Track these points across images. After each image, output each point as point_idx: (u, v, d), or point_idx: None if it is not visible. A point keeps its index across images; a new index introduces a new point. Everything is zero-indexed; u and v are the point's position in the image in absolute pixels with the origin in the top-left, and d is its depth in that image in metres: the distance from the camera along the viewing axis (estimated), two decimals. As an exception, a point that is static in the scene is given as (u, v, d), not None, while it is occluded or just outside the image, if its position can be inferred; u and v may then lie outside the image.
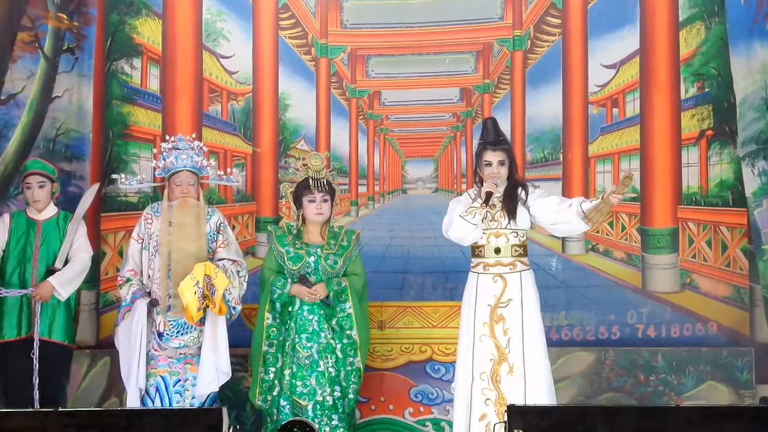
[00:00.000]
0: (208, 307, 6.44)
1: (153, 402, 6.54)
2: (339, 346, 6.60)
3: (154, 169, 6.85)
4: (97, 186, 7.44)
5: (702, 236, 8.06)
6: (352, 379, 6.61)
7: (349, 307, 6.62)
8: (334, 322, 6.62)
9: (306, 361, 6.57)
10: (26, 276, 6.96)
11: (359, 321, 6.63)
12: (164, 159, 6.73)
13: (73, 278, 7.01)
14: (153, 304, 6.60)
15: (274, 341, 6.62)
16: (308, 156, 6.83)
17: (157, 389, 6.58)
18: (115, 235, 8.19)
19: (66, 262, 7.02)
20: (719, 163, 8.05)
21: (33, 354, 6.78)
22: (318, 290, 6.57)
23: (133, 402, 6.48)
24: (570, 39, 8.39)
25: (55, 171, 7.18)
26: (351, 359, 6.61)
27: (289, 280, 6.62)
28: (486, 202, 6.09)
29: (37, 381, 6.77)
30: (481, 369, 6.18)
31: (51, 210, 7.11)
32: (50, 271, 6.94)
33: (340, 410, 6.57)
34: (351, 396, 6.62)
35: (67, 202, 7.40)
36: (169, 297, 6.59)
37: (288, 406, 6.52)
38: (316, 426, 6.15)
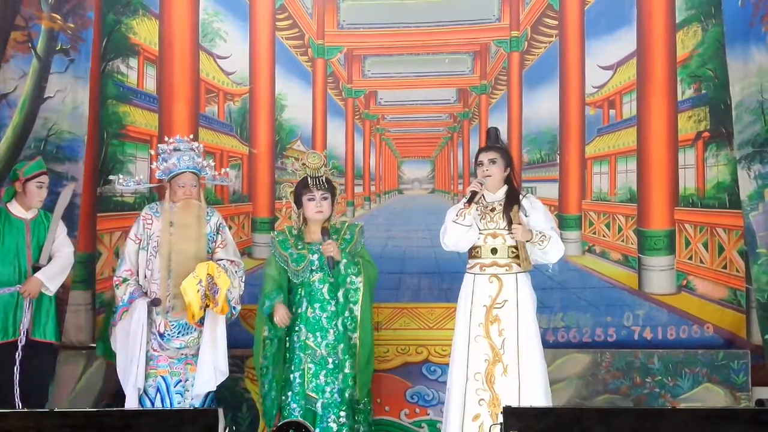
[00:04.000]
0: (208, 306, 6.44)
1: (153, 402, 6.53)
2: (340, 319, 6.54)
3: (152, 170, 6.82)
4: (73, 184, 7.48)
5: (699, 238, 8.06)
6: (349, 354, 6.51)
7: (359, 282, 6.53)
8: (340, 293, 6.54)
9: (317, 359, 6.53)
10: (22, 276, 6.94)
11: (365, 299, 6.50)
12: (165, 160, 6.71)
13: (60, 272, 7.03)
14: (155, 303, 6.58)
15: (268, 354, 6.58)
16: (306, 155, 6.82)
17: (158, 390, 6.57)
18: (110, 236, 8.17)
19: (49, 259, 7.02)
20: (716, 165, 8.06)
21: (22, 353, 6.78)
22: (333, 245, 6.48)
23: (131, 403, 6.46)
24: (567, 40, 8.39)
25: None
26: (350, 334, 6.52)
27: (281, 296, 6.56)
28: (470, 201, 6.11)
29: (29, 381, 6.78)
30: (476, 369, 6.19)
31: (35, 209, 7.11)
32: (35, 268, 6.94)
33: (349, 405, 6.50)
34: (352, 382, 6.49)
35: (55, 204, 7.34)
36: (170, 298, 6.58)
37: (298, 410, 6.46)
38: (311, 427, 6.12)
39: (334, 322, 6.54)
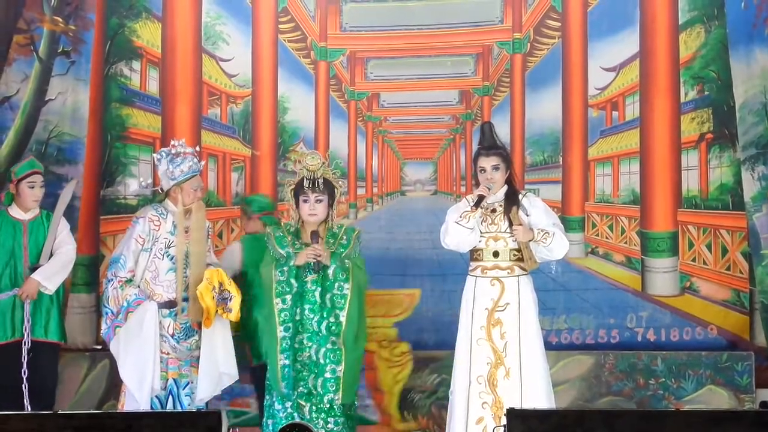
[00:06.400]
0: (216, 312, 6.43)
1: (164, 405, 6.49)
2: (324, 323, 6.36)
3: (166, 173, 6.66)
4: (74, 182, 7.43)
5: (702, 239, 8.06)
6: (330, 359, 6.30)
7: (347, 289, 6.38)
8: (327, 298, 6.47)
9: (306, 361, 6.46)
10: (18, 278, 6.91)
11: (352, 304, 6.35)
12: (177, 165, 6.58)
13: (59, 270, 6.95)
14: (170, 305, 6.54)
15: (290, 324, 6.41)
16: (305, 156, 6.69)
17: (170, 392, 6.55)
18: (114, 238, 8.15)
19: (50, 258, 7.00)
20: (719, 167, 8.05)
21: (28, 355, 6.78)
22: (322, 249, 6.32)
23: (144, 406, 6.41)
24: (570, 42, 8.40)
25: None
26: (334, 338, 6.34)
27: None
28: (477, 205, 6.09)
29: (35, 383, 6.77)
30: (478, 372, 6.16)
31: (35, 209, 7.07)
32: (34, 269, 6.89)
33: (338, 413, 6.42)
34: (333, 387, 6.39)
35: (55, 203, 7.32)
36: (180, 300, 6.56)
37: (285, 412, 6.39)
38: (314, 429, 6.06)
39: (322, 326, 6.44)
